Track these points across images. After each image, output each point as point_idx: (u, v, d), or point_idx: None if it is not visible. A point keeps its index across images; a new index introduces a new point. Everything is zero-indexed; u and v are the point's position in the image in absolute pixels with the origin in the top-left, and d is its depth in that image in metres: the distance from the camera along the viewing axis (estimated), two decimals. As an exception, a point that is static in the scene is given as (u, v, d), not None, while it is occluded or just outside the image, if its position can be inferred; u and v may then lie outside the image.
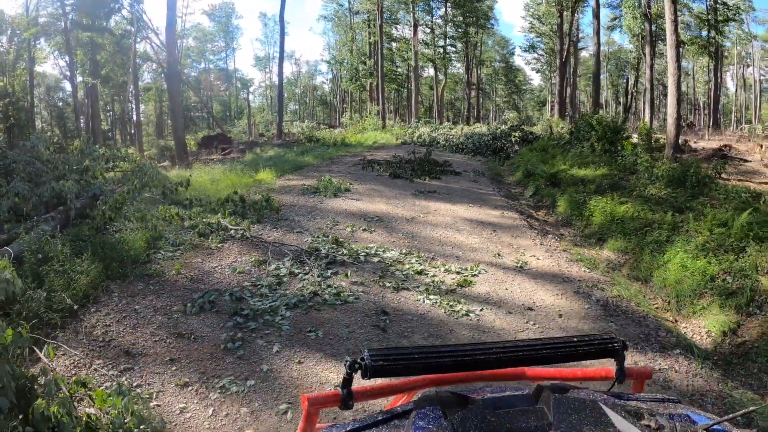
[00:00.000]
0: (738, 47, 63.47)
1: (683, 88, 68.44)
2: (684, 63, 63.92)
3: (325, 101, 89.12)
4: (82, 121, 47.22)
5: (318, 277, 7.11)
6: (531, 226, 11.11)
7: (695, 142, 24.88)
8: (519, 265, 8.36)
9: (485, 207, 12.51)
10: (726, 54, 63.66)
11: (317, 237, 8.89)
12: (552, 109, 45.10)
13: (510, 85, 76.96)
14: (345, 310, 6.23)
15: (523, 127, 31.51)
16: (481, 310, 6.47)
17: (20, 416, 3.13)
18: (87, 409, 3.74)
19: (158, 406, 4.32)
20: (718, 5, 42.40)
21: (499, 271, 7.94)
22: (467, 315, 6.27)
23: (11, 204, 8.42)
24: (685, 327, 7.09)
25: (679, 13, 42.94)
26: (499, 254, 8.80)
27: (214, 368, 4.96)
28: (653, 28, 36.41)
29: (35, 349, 4.34)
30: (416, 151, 20.96)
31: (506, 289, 7.27)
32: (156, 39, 41.37)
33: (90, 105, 47.98)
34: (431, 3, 58.32)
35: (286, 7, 37.19)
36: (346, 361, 1.29)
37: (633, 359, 5.48)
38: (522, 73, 78.55)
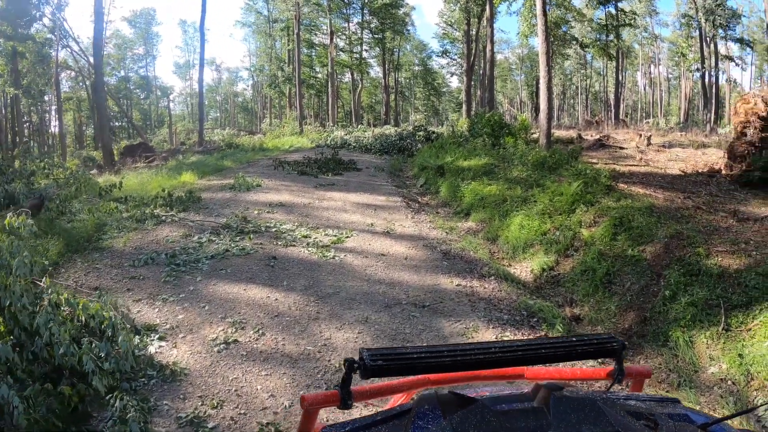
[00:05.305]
0: (646, 48, 67.19)
1: (596, 87, 71.94)
2: (596, 64, 67.56)
3: (246, 108, 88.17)
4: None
5: (230, 241, 9.51)
6: (408, 206, 13.59)
7: (592, 136, 26.17)
8: (386, 230, 10.84)
9: (374, 194, 14.90)
10: (635, 54, 67.38)
11: (231, 218, 11.09)
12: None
13: (428, 87, 77.71)
14: (247, 258, 8.72)
15: (426, 127, 33.72)
16: (344, 256, 9.01)
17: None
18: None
19: (126, 311, 6.51)
20: (616, 12, 45.51)
21: (368, 235, 10.43)
22: (334, 258, 8.85)
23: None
24: (515, 269, 9.66)
25: (578, 22, 46.41)
26: (372, 224, 11.26)
27: (158, 291, 7.34)
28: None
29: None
30: (325, 152, 23.13)
31: (369, 244, 9.77)
32: (77, 47, 41.33)
33: (11, 116, 47.35)
34: (347, 10, 58.87)
35: (206, 13, 37.12)
36: (345, 361, 1.35)
37: (453, 281, 8.03)
38: (440, 75, 78.93)
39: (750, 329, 6.00)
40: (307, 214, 11.92)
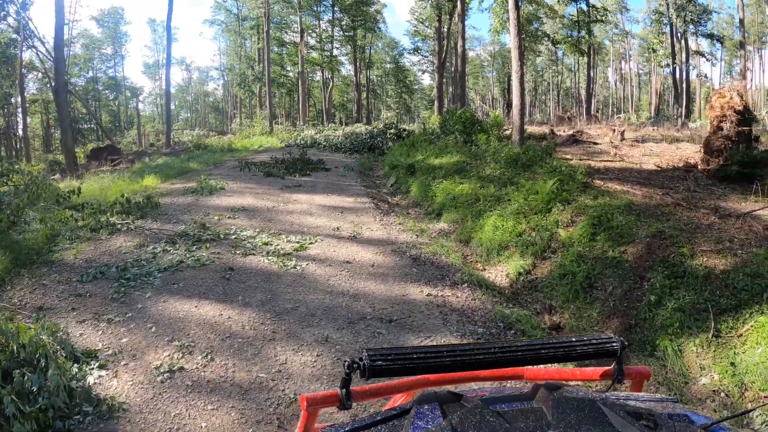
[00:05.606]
0: (617, 45, 68.31)
1: (568, 83, 72.68)
2: (567, 60, 68.31)
3: (217, 108, 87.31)
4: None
5: (185, 251, 8.88)
6: (377, 208, 13.06)
7: (565, 131, 26.13)
8: (353, 235, 10.28)
9: (342, 195, 14.32)
10: (606, 51, 68.26)
11: (189, 225, 10.47)
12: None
13: (400, 85, 77.37)
14: (202, 270, 8.08)
15: (397, 124, 33.23)
16: (307, 264, 8.42)
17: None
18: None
19: (65, 336, 5.90)
20: (588, 8, 45.71)
21: (334, 240, 9.85)
22: (295, 267, 8.25)
23: None
24: (490, 273, 9.17)
25: (550, 18, 46.48)
26: (338, 228, 10.69)
27: (104, 310, 6.70)
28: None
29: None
30: (294, 152, 22.54)
31: (334, 251, 9.20)
32: (43, 48, 40.12)
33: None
34: (318, 8, 58.22)
35: (176, 12, 36.74)
36: (345, 361, 1.33)
37: (424, 291, 7.50)
38: (412, 73, 78.83)
39: (741, 335, 5.67)
40: (270, 219, 11.32)
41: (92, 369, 5.30)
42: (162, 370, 5.25)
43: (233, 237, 9.78)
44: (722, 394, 5.17)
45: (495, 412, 1.23)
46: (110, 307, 6.81)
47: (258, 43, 58.50)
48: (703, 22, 47.73)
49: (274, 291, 7.31)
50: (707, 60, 58.45)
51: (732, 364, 5.35)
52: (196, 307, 6.75)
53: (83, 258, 8.71)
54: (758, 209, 9.24)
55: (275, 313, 6.59)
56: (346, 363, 1.34)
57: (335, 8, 58.45)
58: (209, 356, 5.53)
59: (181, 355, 5.55)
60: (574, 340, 1.58)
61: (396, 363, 1.38)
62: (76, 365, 5.23)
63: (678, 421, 1.29)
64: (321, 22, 60.59)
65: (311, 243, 9.59)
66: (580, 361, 1.59)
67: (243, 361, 5.45)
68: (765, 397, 4.86)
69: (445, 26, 47.69)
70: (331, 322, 6.35)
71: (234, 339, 5.91)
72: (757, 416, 4.64)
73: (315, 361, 5.46)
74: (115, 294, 7.18)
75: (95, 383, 5.06)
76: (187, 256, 8.65)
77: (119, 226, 10.48)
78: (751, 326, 5.63)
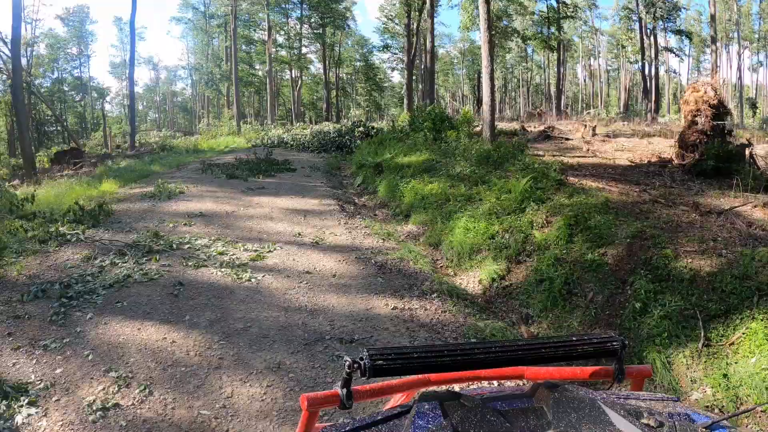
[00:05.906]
0: (586, 41, 68.87)
1: (537, 79, 73.18)
2: (537, 57, 68.75)
3: (186, 108, 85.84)
4: None
5: (134, 264, 8.21)
6: (343, 210, 12.49)
7: (535, 127, 25.59)
8: (315, 241, 9.72)
9: (307, 197, 13.73)
10: (575, 47, 68.80)
11: (142, 234, 9.80)
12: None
13: (370, 83, 76.31)
14: (149, 285, 7.41)
15: (365, 122, 32.79)
16: (263, 276, 7.81)
17: None
18: None
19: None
20: (557, 4, 45.79)
21: (294, 248, 9.26)
22: (249, 280, 7.62)
23: None
24: (461, 279, 8.65)
25: (520, 15, 46.48)
26: (300, 234, 10.12)
27: (41, 335, 6.04)
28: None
29: None
30: (259, 152, 21.98)
31: (294, 260, 8.61)
32: (6, 49, 39.32)
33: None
34: (286, 5, 57.82)
35: (143, 10, 36.07)
36: (346, 361, 1.32)
37: (389, 303, 6.96)
38: (382, 70, 77.99)
39: (733, 343, 5.32)
40: (228, 225, 10.70)
41: (21, 406, 4.69)
42: (95, 408, 4.63)
43: (187, 246, 9.15)
44: (716, 410, 4.80)
45: (495, 411, 1.25)
46: (48, 331, 6.16)
47: (225, 42, 58.38)
48: (672, 18, 48.13)
49: (225, 308, 6.70)
50: (676, 56, 58.95)
51: (725, 375, 5.03)
52: (138, 329, 6.11)
53: (27, 274, 8.01)
54: (738, 205, 8.93)
55: (224, 334, 5.99)
56: (347, 362, 1.32)
57: (304, 5, 57.97)
58: (147, 389, 4.91)
59: (117, 388, 4.93)
60: (574, 339, 1.55)
61: (397, 362, 1.34)
62: (4, 402, 4.68)
63: (679, 420, 1.28)
64: (290, 19, 60.12)
65: (269, 251, 9.00)
66: (581, 360, 1.56)
67: (184, 394, 4.85)
68: (762, 410, 4.58)
69: (415, 23, 47.50)
70: (285, 345, 5.77)
71: (177, 367, 5.30)
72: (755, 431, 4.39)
73: (264, 394, 4.86)
74: (54, 316, 6.50)
75: (23, 423, 4.47)
76: (136, 269, 7.99)
77: (69, 236, 9.76)
78: (743, 333, 5.30)
